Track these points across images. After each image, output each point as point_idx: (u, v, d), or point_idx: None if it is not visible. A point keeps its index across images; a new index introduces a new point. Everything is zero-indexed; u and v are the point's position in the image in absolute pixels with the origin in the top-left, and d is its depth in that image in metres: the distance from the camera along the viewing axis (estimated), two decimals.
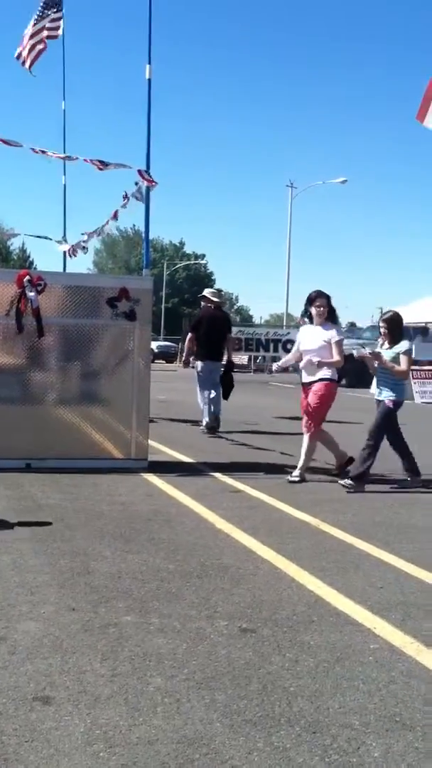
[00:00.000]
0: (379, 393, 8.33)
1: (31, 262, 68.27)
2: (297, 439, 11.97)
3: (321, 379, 8.41)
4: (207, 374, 12.12)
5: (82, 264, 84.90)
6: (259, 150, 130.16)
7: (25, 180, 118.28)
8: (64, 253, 16.37)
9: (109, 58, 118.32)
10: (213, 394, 12.06)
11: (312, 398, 8.40)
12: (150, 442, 9.06)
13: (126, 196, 10.33)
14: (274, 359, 35.27)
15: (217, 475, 8.54)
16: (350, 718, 3.19)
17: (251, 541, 5.84)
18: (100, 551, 5.41)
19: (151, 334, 9.19)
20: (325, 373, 8.43)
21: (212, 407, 12.02)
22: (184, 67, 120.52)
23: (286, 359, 9.62)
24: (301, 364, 8.63)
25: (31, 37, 18.25)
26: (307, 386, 8.55)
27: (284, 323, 45.44)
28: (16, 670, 3.50)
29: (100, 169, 10.09)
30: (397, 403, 8.21)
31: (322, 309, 8.51)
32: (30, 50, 18.28)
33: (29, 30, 18.35)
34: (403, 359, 8.12)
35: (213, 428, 11.98)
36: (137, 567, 5.08)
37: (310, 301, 8.61)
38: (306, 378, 8.57)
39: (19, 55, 18.55)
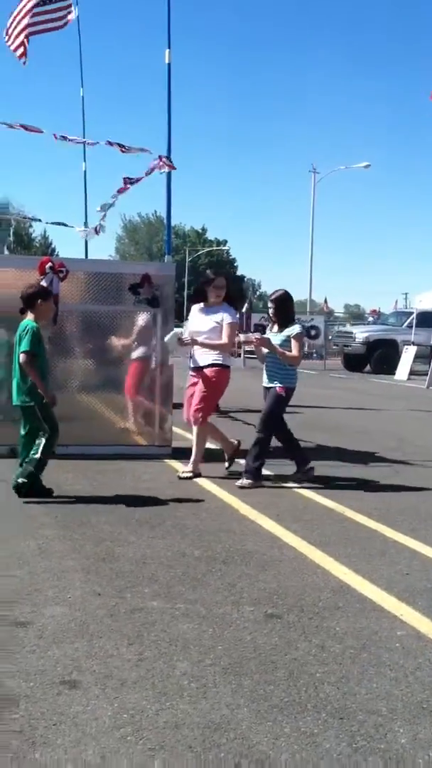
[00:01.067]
0: (269, 381, 7.49)
1: (53, 249, 68.43)
2: (322, 425, 11.94)
3: (211, 365, 7.59)
4: None
5: (104, 251, 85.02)
6: (281, 135, 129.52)
7: (46, 168, 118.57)
8: (86, 240, 16.27)
9: (129, 44, 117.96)
10: None
11: (200, 385, 7.61)
12: (174, 428, 9.07)
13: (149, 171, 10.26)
14: None
15: (241, 461, 8.52)
16: (377, 704, 3.18)
17: (276, 527, 5.83)
18: (126, 537, 5.42)
19: (175, 321, 9.16)
20: (216, 358, 7.59)
21: None
22: (205, 51, 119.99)
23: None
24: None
25: (32, 17, 16.80)
26: (196, 372, 7.74)
27: (307, 309, 45.24)
28: (44, 654, 3.52)
29: (123, 151, 10.07)
30: (289, 391, 7.48)
31: (221, 290, 7.65)
32: (23, 30, 16.81)
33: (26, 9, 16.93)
34: (294, 344, 7.35)
35: None
36: (162, 552, 5.09)
37: (208, 282, 7.74)
38: (195, 363, 7.72)
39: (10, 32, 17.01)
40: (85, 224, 16.66)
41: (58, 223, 14.73)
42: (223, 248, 79.31)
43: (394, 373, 24.96)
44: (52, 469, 7.62)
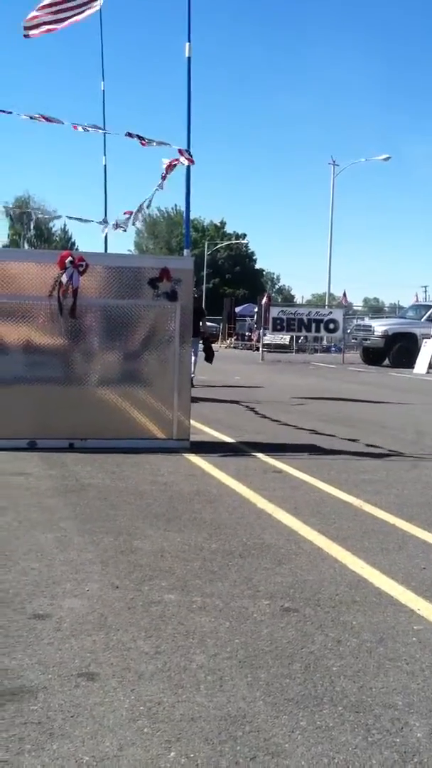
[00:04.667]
0: None
1: (73, 243, 68.72)
2: (340, 419, 11.92)
3: None
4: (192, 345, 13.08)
5: (123, 245, 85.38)
6: (300, 128, 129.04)
7: (66, 162, 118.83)
8: (105, 234, 16.31)
9: (149, 37, 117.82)
10: (193, 358, 13.80)
11: None
12: (192, 422, 9.08)
13: (168, 168, 10.26)
14: (316, 339, 35.24)
15: (259, 455, 8.54)
16: (393, 698, 3.18)
17: (293, 521, 5.84)
18: (143, 530, 5.45)
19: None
20: None
21: (192, 369, 13.34)
22: (226, 46, 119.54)
23: None
24: None
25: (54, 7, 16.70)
26: None
27: (326, 303, 45.12)
28: (62, 646, 3.55)
29: (143, 144, 10.10)
30: None
31: None
32: (44, 19, 16.70)
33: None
34: None
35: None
36: (180, 546, 5.11)
37: None
38: None
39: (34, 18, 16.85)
40: (105, 219, 16.70)
41: (77, 218, 14.80)
42: (242, 242, 79.18)
43: (413, 367, 24.88)
44: (71, 462, 7.68)
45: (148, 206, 11.12)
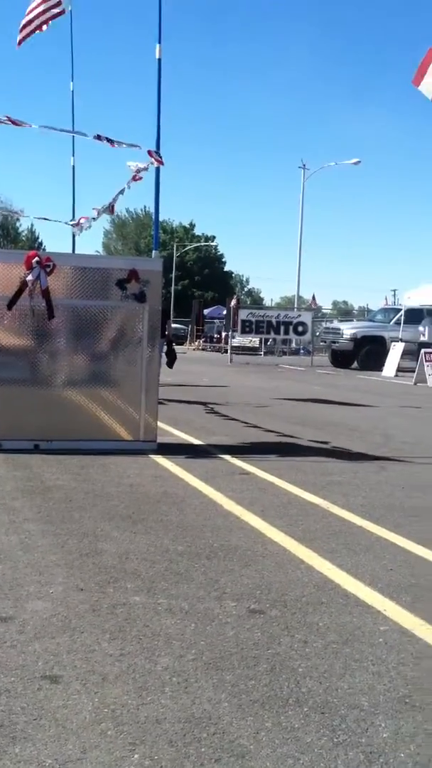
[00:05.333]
0: None
1: (40, 244, 68.25)
2: (309, 421, 11.95)
3: None
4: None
5: (91, 246, 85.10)
6: (270, 131, 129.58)
7: (33, 162, 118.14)
8: (73, 234, 16.28)
9: (119, 36, 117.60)
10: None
11: None
12: (159, 423, 9.05)
13: (137, 171, 10.27)
14: (285, 342, 35.34)
15: (227, 457, 8.52)
16: (359, 699, 3.18)
17: (260, 522, 5.83)
18: (108, 532, 5.40)
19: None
20: None
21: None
22: (195, 47, 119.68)
23: None
24: None
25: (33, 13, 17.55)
26: None
27: (296, 305, 45.28)
28: (25, 649, 3.50)
29: (112, 146, 10.06)
30: None
31: None
32: (26, 26, 17.55)
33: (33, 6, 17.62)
34: None
35: None
36: (145, 548, 5.08)
37: None
38: None
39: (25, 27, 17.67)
40: (73, 218, 16.66)
41: (43, 218, 14.77)
42: (212, 244, 79.24)
43: (381, 370, 25.05)
44: (36, 463, 7.61)
45: (104, 211, 11.12)
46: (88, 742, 2.77)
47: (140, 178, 10.45)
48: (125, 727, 2.87)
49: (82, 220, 12.03)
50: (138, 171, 10.25)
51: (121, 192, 10.79)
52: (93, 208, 11.54)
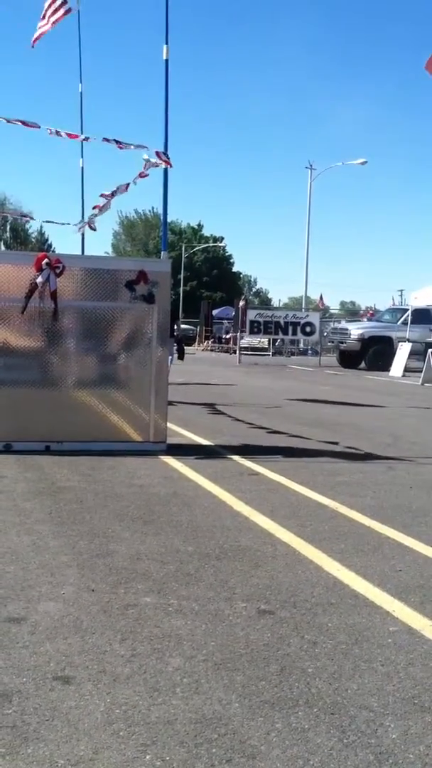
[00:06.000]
0: None
1: (50, 245, 68.39)
2: (317, 421, 11.96)
3: None
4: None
5: (100, 247, 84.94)
6: (278, 132, 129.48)
7: (43, 164, 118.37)
8: (82, 236, 16.40)
9: (127, 38, 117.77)
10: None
11: None
12: (169, 424, 9.08)
13: (146, 166, 10.33)
14: (293, 342, 35.34)
15: (236, 457, 8.54)
16: (368, 700, 3.19)
17: (270, 523, 5.85)
18: (119, 533, 5.43)
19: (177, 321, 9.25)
20: None
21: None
22: (196, 47, 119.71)
23: None
24: None
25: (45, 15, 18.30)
26: None
27: (303, 306, 45.25)
28: (37, 650, 3.53)
29: (120, 148, 10.09)
30: None
31: None
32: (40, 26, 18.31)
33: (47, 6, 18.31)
34: None
35: None
36: (156, 549, 5.10)
37: None
38: None
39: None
40: (82, 221, 16.74)
41: (50, 221, 14.86)
42: (220, 245, 79.23)
43: (388, 370, 25.02)
44: (47, 464, 7.64)
45: (105, 207, 11.16)
46: (100, 742, 2.79)
47: (146, 175, 10.49)
48: (137, 727, 2.90)
49: (96, 209, 12.08)
50: (150, 165, 10.30)
51: (126, 186, 10.81)
52: (93, 207, 11.59)
